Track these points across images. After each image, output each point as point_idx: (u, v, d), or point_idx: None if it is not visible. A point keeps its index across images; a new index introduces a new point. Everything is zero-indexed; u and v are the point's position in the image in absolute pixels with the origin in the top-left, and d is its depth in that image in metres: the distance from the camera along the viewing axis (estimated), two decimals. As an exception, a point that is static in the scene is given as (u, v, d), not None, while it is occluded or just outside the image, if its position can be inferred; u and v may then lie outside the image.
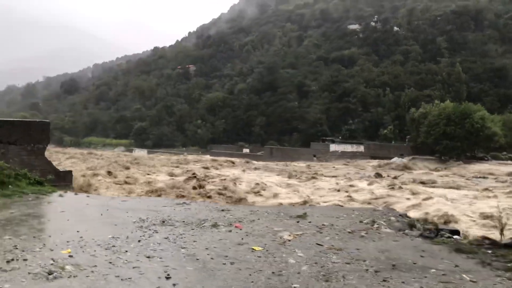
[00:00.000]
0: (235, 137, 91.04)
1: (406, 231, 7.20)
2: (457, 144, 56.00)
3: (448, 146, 56.42)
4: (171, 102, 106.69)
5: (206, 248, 6.16)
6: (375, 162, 55.95)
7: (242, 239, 6.72)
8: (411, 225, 7.88)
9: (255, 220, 8.22)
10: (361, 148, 65.50)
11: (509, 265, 5.47)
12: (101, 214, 8.69)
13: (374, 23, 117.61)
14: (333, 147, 65.20)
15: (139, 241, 6.49)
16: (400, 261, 5.57)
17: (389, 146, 66.86)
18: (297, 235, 6.94)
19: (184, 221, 8.03)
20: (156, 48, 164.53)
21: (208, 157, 67.74)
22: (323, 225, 7.69)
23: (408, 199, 17.81)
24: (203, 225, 7.74)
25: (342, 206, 10.94)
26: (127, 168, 34.26)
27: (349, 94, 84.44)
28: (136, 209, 9.29)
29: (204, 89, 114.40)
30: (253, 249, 6.17)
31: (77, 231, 6.94)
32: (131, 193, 17.07)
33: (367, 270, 5.25)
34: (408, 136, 69.74)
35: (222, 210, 9.35)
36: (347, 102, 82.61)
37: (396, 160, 57.46)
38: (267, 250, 6.08)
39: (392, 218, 8.21)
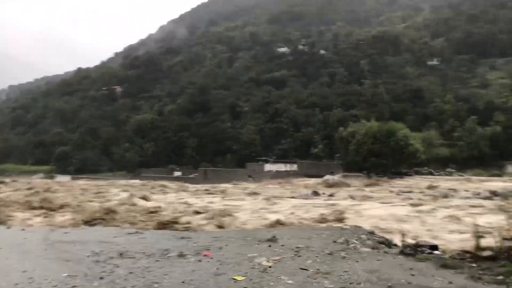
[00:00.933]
0: (166, 160, 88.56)
1: (386, 249, 7.01)
2: (383, 161, 58.77)
3: (375, 163, 59.03)
4: (95, 125, 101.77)
5: (183, 282, 5.50)
6: (309, 180, 57.05)
7: (218, 268, 6.14)
8: (381, 242, 7.74)
9: (223, 247, 7.65)
10: (295, 167, 66.60)
11: (498, 278, 5.41)
12: (46, 249, 7.62)
13: (302, 46, 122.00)
14: (267, 167, 65.65)
15: (101, 278, 5.67)
16: (394, 282, 5.31)
17: (320, 165, 68.63)
18: (275, 260, 6.48)
19: (144, 252, 7.26)
20: (79, 69, 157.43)
21: (137, 181, 64.95)
22: (297, 247, 7.30)
23: (356, 215, 17.94)
24: (167, 255, 7.03)
25: (307, 227, 10.63)
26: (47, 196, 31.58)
27: (281, 115, 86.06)
28: (85, 241, 8.32)
29: (132, 111, 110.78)
30: (234, 279, 5.61)
31: (24, 271, 5.93)
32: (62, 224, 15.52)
33: (365, 294, 4.91)
34: (338, 154, 72.20)
35: (182, 238, 8.67)
36: (279, 122, 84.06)
37: (328, 178, 58.85)
38: (251, 279, 5.55)
39: (363, 236, 8.04)
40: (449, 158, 66.11)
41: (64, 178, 74.99)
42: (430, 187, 44.51)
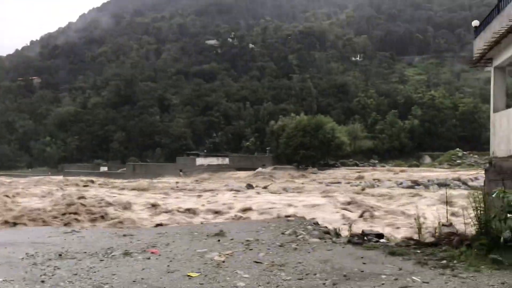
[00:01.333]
0: (91, 155, 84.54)
1: (334, 239, 7.07)
2: (312, 153, 60.67)
3: (305, 156, 60.77)
4: (12, 118, 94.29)
5: (134, 281, 5.11)
6: (241, 173, 57.38)
7: (169, 265, 5.80)
8: (326, 232, 7.84)
9: (170, 243, 7.29)
10: (226, 161, 66.56)
11: (442, 262, 5.61)
12: None
13: (231, 39, 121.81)
14: (199, 160, 64.95)
15: (42, 281, 5.13)
16: (347, 271, 5.32)
17: (252, 158, 69.26)
18: (227, 254, 6.26)
19: (86, 252, 6.72)
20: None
21: (60, 177, 61.36)
22: (247, 240, 7.14)
23: (291, 206, 18.24)
24: (112, 254, 6.54)
25: (252, 220, 10.47)
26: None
27: (212, 108, 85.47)
28: (15, 242, 7.55)
29: (52, 103, 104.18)
30: (189, 275, 5.31)
31: None
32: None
33: (324, 284, 4.87)
34: (268, 147, 73.29)
35: (124, 236, 8.17)
36: (210, 115, 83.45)
37: (260, 170, 59.74)
38: (205, 275, 5.28)
39: (309, 227, 8.07)
40: (372, 149, 69.64)
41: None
42: (358, 178, 46.83)
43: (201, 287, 4.88)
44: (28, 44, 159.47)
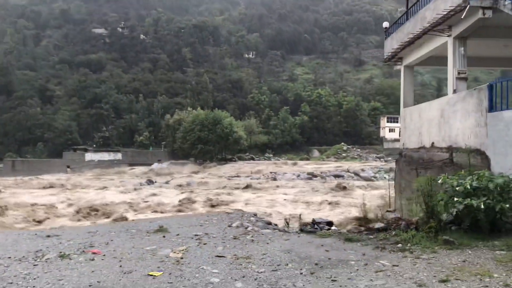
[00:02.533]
0: (-43, 151, 74.16)
1: (286, 228, 7.13)
2: (210, 147, 60.71)
3: (203, 150, 60.60)
4: None
5: (90, 286, 4.56)
6: (136, 169, 55.11)
7: (121, 266, 5.32)
8: (268, 223, 7.89)
9: (109, 242, 6.69)
10: (119, 156, 63.46)
11: (398, 246, 5.99)
12: None
13: (120, 29, 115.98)
14: (88, 156, 60.88)
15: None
16: (316, 259, 5.43)
17: (146, 153, 67.04)
18: (182, 251, 5.92)
19: (10, 257, 5.82)
20: None
21: None
22: (196, 235, 6.85)
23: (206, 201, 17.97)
24: (45, 258, 5.79)
25: (188, 214, 9.98)
26: None
27: (101, 100, 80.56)
28: None
29: None
30: (151, 275, 4.90)
31: None
32: None
33: (301, 273, 4.87)
34: (164, 142, 71.57)
35: (49, 236, 7.30)
36: (99, 108, 78.58)
37: (156, 166, 58.06)
38: (169, 274, 4.94)
39: (252, 218, 8.04)
40: (267, 144, 72.04)
41: None
42: (256, 172, 48.07)
43: (171, 286, 4.54)
44: None
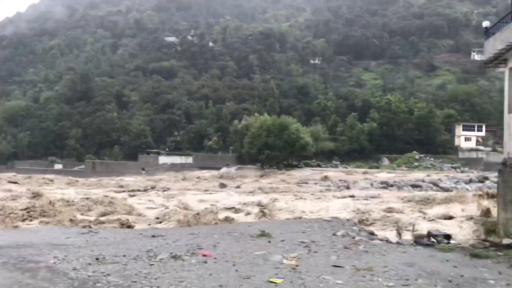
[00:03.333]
0: (44, 152, 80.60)
1: (398, 240, 7.03)
2: (276, 153, 60.97)
3: (269, 156, 60.97)
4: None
5: None
6: (206, 173, 56.65)
7: (237, 270, 5.50)
8: (371, 233, 7.80)
9: (216, 244, 6.95)
10: (190, 160, 65.64)
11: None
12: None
13: (190, 37, 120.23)
14: (162, 159, 63.58)
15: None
16: (447, 275, 5.33)
17: (215, 157, 68.76)
18: (293, 257, 6.03)
19: (125, 256, 6.23)
20: None
21: (11, 175, 57.91)
22: (303, 242, 6.94)
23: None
24: (159, 258, 6.13)
25: (286, 220, 10.16)
26: None
27: (173, 106, 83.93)
28: (32, 244, 6.94)
29: (0, 97, 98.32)
30: (272, 282, 5.04)
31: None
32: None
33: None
34: (231, 147, 73.02)
35: (154, 236, 7.69)
36: (171, 113, 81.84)
37: (225, 170, 59.37)
38: (291, 282, 5.04)
39: (355, 228, 8.00)
40: (333, 151, 70.94)
41: None
42: (324, 179, 47.58)
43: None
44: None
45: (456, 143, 71.19)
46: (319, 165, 64.82)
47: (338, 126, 76.29)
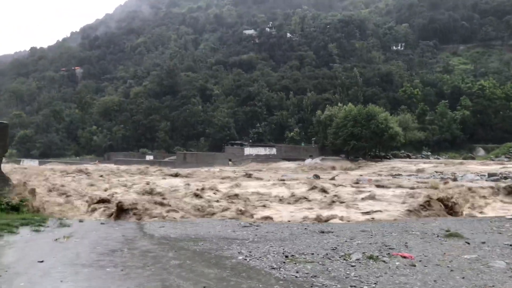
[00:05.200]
0: (135, 144, 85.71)
1: None
2: (363, 144, 59.48)
3: (356, 146, 59.65)
4: (59, 107, 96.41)
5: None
6: (291, 164, 56.79)
7: (463, 278, 5.09)
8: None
9: (408, 244, 6.73)
10: (274, 151, 66.22)
11: None
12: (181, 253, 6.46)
13: (268, 29, 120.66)
14: (247, 150, 64.81)
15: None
16: None
17: (298, 148, 68.72)
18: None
19: (313, 254, 6.17)
20: (33, 48, 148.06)
21: (112, 166, 62.38)
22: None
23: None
24: (356, 259, 6.00)
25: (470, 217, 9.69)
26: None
27: (254, 98, 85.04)
28: (204, 237, 7.25)
29: (96, 93, 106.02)
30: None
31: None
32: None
33: None
34: (314, 137, 72.49)
35: (323, 232, 7.74)
36: (253, 105, 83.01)
37: (309, 161, 59.12)
38: None
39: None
40: (422, 141, 67.80)
41: (31, 163, 70.89)
42: (418, 171, 45.60)
43: None
44: (69, 35, 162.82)
45: None
46: (408, 156, 62.27)
47: (426, 114, 72.83)
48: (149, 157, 76.79)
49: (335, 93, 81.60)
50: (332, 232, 7.79)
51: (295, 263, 5.78)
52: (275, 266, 5.70)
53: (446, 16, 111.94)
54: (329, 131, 64.05)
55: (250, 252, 6.44)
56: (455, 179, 28.59)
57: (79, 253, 6.49)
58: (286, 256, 6.25)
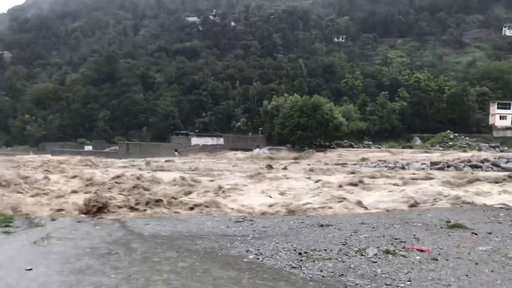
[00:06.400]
0: (72, 133, 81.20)
1: None
2: (309, 134, 60.36)
3: (302, 136, 60.41)
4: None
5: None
6: (239, 154, 56.41)
7: (493, 271, 4.92)
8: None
9: (416, 237, 6.42)
10: (221, 141, 65.53)
11: None
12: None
13: (212, 17, 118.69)
14: (194, 140, 63.54)
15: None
16: None
17: (246, 138, 68.49)
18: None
19: (326, 250, 5.77)
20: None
21: (49, 156, 58.57)
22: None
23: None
24: (373, 253, 5.66)
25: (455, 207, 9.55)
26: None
27: (198, 87, 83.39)
28: (201, 235, 6.59)
29: (27, 79, 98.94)
30: None
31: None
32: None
33: None
34: (260, 128, 72.56)
35: (322, 226, 7.32)
36: (198, 94, 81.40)
37: (257, 151, 59.07)
38: None
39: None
40: (363, 131, 70.03)
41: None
42: (362, 160, 46.94)
43: None
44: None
45: (491, 121, 69.65)
46: (351, 146, 64.16)
47: (367, 105, 75.24)
48: (88, 148, 73.17)
49: (280, 83, 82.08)
50: (332, 225, 7.42)
51: (313, 261, 5.37)
52: (294, 265, 5.25)
53: (384, 10, 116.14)
54: (275, 121, 64.29)
55: (258, 250, 5.94)
56: (403, 168, 29.53)
57: (69, 258, 5.62)
58: (300, 253, 5.81)
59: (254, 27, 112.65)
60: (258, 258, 5.57)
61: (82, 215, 9.52)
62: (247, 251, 5.89)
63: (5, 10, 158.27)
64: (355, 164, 42.25)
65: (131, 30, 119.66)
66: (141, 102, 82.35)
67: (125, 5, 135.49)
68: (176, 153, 59.90)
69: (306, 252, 5.77)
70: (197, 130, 73.90)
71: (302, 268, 5.09)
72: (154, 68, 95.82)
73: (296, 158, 52.28)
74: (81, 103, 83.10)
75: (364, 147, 63.96)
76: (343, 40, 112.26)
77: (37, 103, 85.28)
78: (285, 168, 35.24)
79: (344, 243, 6.22)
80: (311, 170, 32.21)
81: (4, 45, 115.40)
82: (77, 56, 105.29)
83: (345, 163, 44.74)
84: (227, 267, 5.14)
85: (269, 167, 35.50)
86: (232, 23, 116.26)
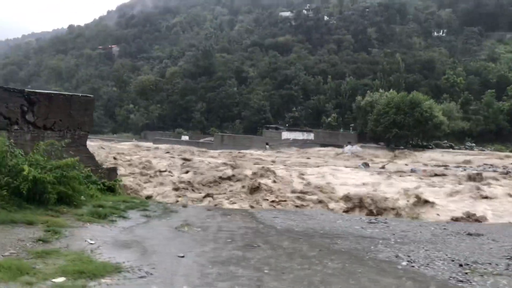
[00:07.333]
0: (171, 123, 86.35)
1: None
2: (406, 132, 57.89)
3: (397, 135, 58.09)
4: (97, 85, 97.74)
5: None
6: (330, 151, 55.86)
7: None
8: None
9: None
10: (311, 136, 65.39)
11: None
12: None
13: (305, 12, 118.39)
14: (285, 134, 64.23)
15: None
16: None
17: (337, 134, 67.59)
18: None
19: (490, 263, 5.52)
20: (71, 26, 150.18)
21: (150, 144, 63.06)
22: None
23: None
24: None
25: None
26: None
27: (290, 81, 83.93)
28: (336, 234, 6.71)
29: (132, 72, 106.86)
30: None
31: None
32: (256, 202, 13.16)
33: None
34: (352, 124, 71.13)
35: (470, 234, 7.03)
36: (289, 89, 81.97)
37: (349, 148, 58.03)
38: None
39: None
40: (465, 131, 65.53)
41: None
42: (465, 162, 44.15)
43: None
44: (105, 14, 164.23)
45: None
46: (451, 147, 60.32)
47: (471, 104, 70.19)
48: (185, 138, 77.25)
49: (375, 78, 79.63)
50: (483, 234, 7.08)
51: (481, 275, 5.09)
52: (459, 278, 5.00)
53: (493, 1, 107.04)
54: (369, 117, 62.61)
55: (408, 256, 5.81)
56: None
57: (214, 248, 6.01)
58: (460, 265, 5.55)
59: (348, 21, 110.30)
60: (413, 266, 5.42)
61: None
62: (396, 257, 5.80)
63: (114, 7, 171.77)
64: (457, 167, 39.98)
65: (227, 25, 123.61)
66: (234, 96, 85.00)
67: (222, 1, 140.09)
68: (267, 146, 61.06)
69: (468, 265, 5.56)
70: (287, 125, 74.53)
71: (472, 283, 4.86)
72: (248, 62, 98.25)
73: (394, 157, 50.50)
74: (180, 95, 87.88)
75: (466, 149, 59.79)
76: (444, 34, 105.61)
77: (140, 94, 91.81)
78: (383, 167, 34.40)
79: (509, 257, 5.91)
80: (413, 171, 31.09)
81: (113, 40, 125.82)
82: (177, 50, 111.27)
83: (447, 165, 42.48)
84: (383, 273, 5.00)
85: (366, 165, 34.88)
86: (326, 18, 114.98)
